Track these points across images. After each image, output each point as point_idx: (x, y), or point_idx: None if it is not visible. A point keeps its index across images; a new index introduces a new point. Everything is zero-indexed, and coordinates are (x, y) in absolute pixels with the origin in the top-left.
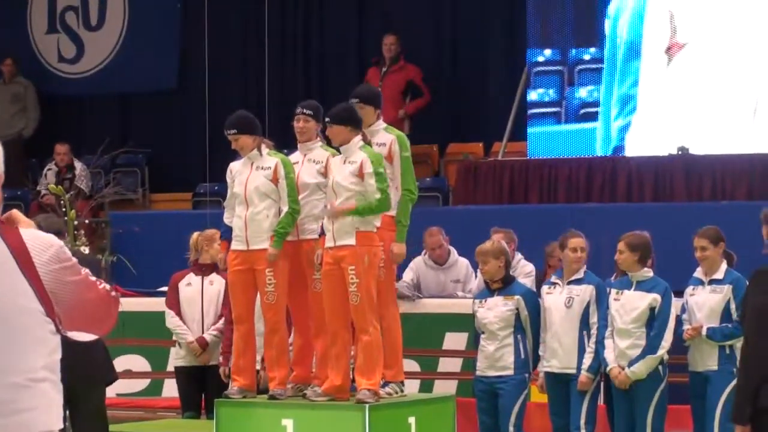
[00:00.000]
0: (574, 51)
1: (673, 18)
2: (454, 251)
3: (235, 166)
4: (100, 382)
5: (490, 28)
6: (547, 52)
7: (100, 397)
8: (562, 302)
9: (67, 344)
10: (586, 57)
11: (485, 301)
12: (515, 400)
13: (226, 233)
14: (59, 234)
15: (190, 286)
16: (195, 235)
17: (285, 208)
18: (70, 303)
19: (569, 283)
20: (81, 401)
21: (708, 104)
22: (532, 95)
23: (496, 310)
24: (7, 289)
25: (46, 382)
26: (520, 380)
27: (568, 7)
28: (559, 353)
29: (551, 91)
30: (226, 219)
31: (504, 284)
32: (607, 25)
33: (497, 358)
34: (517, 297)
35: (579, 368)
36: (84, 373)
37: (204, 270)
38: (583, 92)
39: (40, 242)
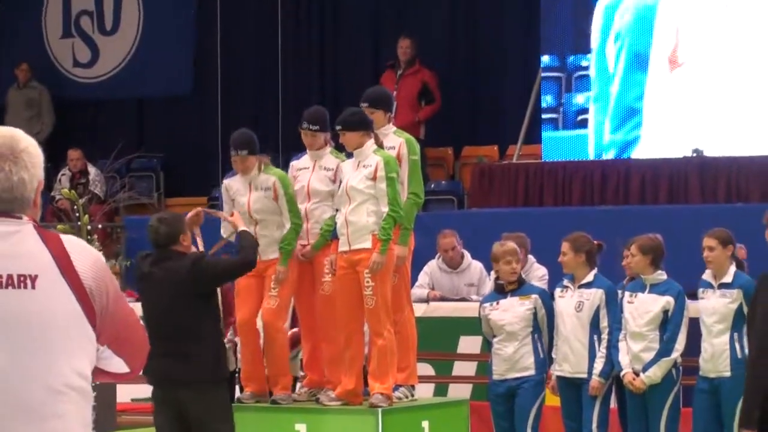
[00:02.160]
0: (572, 57)
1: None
2: (467, 255)
3: (231, 185)
4: None
5: (505, 32)
6: (545, 58)
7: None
8: (573, 306)
9: None
10: (584, 63)
11: (497, 303)
12: (534, 400)
13: (226, 248)
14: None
15: None
16: None
17: (287, 224)
18: (109, 309)
19: (580, 286)
20: None
21: (722, 106)
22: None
23: (513, 311)
24: (49, 291)
25: (80, 390)
26: (539, 380)
27: (566, 12)
28: (570, 358)
29: (548, 98)
30: (224, 231)
31: (518, 285)
32: (595, 26)
33: (517, 359)
34: (534, 296)
35: (590, 373)
36: None
37: None
38: (580, 99)
39: (80, 248)
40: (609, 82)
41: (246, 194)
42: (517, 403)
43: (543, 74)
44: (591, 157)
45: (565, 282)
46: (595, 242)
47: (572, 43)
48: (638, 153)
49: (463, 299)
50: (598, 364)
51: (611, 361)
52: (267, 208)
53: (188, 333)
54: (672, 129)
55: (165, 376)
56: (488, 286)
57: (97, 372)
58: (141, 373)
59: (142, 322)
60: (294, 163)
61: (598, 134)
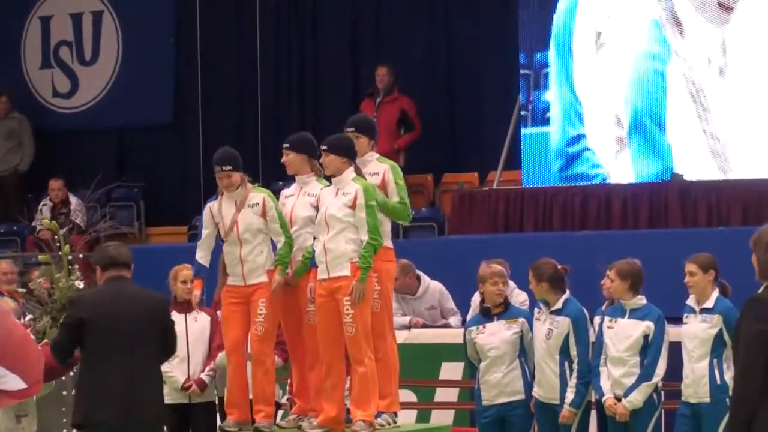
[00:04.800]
0: (539, 54)
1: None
2: (424, 278)
3: (215, 207)
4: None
5: (483, 58)
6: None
7: None
8: (543, 333)
9: None
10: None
11: (484, 327)
12: (529, 424)
13: (200, 272)
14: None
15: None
16: (172, 270)
17: (281, 239)
18: None
19: (551, 312)
20: None
21: (702, 129)
22: None
23: (500, 335)
24: None
25: None
26: (529, 404)
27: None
28: (543, 383)
29: (519, 96)
30: (200, 258)
31: (505, 308)
32: (555, 27)
33: (506, 383)
34: (521, 320)
35: (563, 399)
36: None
37: (185, 307)
38: (548, 96)
39: None
40: (563, 77)
41: (232, 212)
42: (512, 429)
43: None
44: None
45: (541, 305)
46: (560, 266)
47: (539, 40)
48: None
49: (445, 325)
50: (569, 395)
51: (583, 392)
52: (254, 226)
53: None
54: (653, 153)
55: None
56: (450, 303)
57: None
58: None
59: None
60: (284, 191)
61: (562, 131)
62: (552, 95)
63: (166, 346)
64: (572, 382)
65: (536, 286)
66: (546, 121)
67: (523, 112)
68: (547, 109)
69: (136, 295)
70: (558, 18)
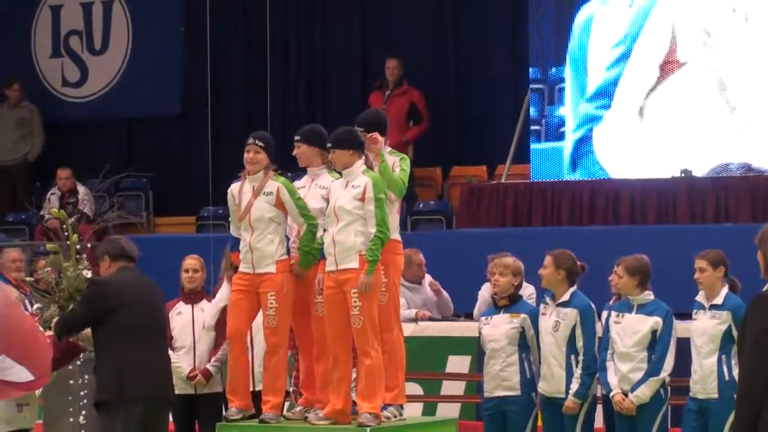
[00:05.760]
0: (554, 69)
1: (674, 33)
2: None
3: (236, 189)
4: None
5: (492, 51)
6: (529, 70)
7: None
8: (550, 326)
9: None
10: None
11: (490, 318)
12: (525, 421)
13: (235, 246)
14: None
15: (181, 314)
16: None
17: (303, 227)
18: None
19: (558, 305)
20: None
21: (709, 124)
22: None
23: (501, 328)
24: None
25: None
26: (528, 400)
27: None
28: (548, 377)
29: (532, 110)
30: (234, 232)
31: (511, 302)
32: (572, 43)
33: (503, 377)
34: (523, 315)
35: (567, 393)
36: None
37: (193, 298)
38: (562, 111)
39: None
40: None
41: (249, 198)
42: (509, 426)
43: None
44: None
45: (547, 299)
46: (579, 263)
47: (554, 55)
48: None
49: (455, 317)
50: (574, 385)
51: (588, 382)
52: (266, 215)
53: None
54: (661, 148)
55: None
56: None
57: (1, 385)
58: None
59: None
60: (294, 184)
61: (574, 147)
62: (567, 110)
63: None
64: (577, 372)
65: (553, 271)
66: (560, 136)
67: (536, 127)
68: (561, 124)
69: (152, 285)
70: (574, 34)
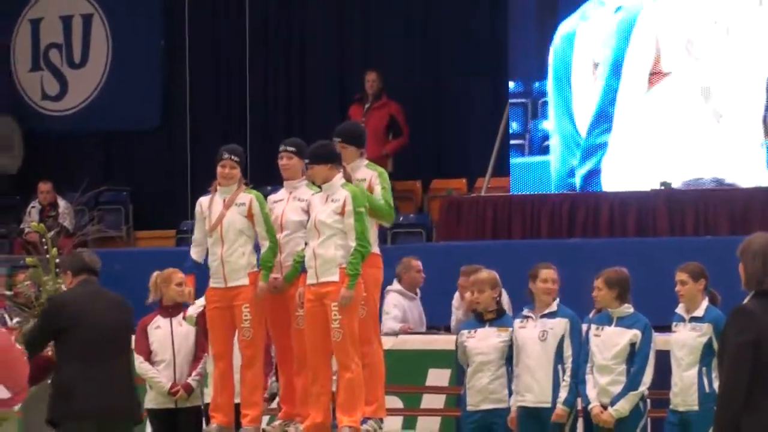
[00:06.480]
0: (537, 84)
1: (658, 45)
2: None
3: (205, 202)
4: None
5: (472, 64)
6: (511, 84)
7: None
8: (536, 336)
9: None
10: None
11: (475, 331)
12: None
13: (193, 268)
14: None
15: (159, 329)
16: (154, 275)
17: (265, 243)
18: None
19: (542, 316)
20: None
21: (691, 138)
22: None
23: (489, 342)
24: None
25: None
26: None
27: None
28: (534, 388)
29: (515, 124)
30: (194, 254)
31: (497, 315)
32: (552, 57)
33: (492, 390)
34: (510, 329)
35: (554, 402)
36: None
37: (171, 311)
38: (546, 124)
39: None
40: (561, 107)
41: (220, 210)
42: None
43: (510, 100)
44: (554, 186)
45: (526, 312)
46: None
47: (537, 70)
48: (606, 177)
49: (433, 330)
50: (563, 393)
51: (575, 390)
52: (237, 226)
53: None
54: (640, 161)
55: None
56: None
57: None
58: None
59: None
60: (270, 197)
61: (563, 160)
62: (551, 124)
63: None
64: (566, 380)
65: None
66: (545, 150)
67: (520, 141)
68: (545, 138)
69: (111, 300)
70: (557, 48)
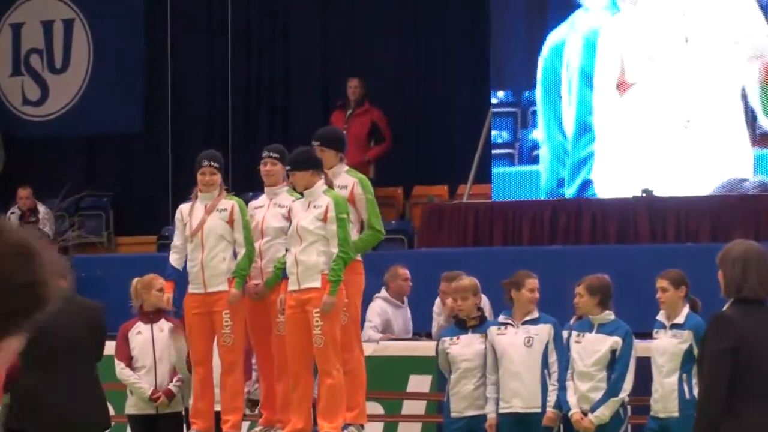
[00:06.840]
0: (527, 93)
1: (623, 55)
2: None
3: (186, 209)
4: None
5: (454, 71)
6: (500, 94)
7: None
8: (521, 342)
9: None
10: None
11: (458, 338)
12: None
13: (172, 275)
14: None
15: (140, 334)
16: (135, 281)
17: (242, 250)
18: None
19: (524, 323)
20: None
21: (671, 146)
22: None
23: (473, 348)
24: None
25: None
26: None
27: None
28: (522, 393)
29: (504, 133)
30: (173, 261)
31: (480, 322)
32: (540, 66)
33: (477, 396)
34: None
35: (543, 407)
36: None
37: (151, 317)
38: (536, 134)
39: None
40: (549, 115)
41: (201, 215)
42: None
43: (497, 110)
44: (543, 195)
45: (502, 319)
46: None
47: (526, 79)
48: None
49: (415, 336)
50: (552, 396)
51: (562, 396)
52: (218, 232)
53: None
54: (622, 169)
55: None
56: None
57: None
58: None
59: None
60: (251, 203)
61: (552, 170)
62: (540, 134)
63: (101, 351)
64: (553, 384)
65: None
66: (535, 159)
67: (510, 150)
68: (535, 147)
69: (75, 305)
70: (545, 58)
